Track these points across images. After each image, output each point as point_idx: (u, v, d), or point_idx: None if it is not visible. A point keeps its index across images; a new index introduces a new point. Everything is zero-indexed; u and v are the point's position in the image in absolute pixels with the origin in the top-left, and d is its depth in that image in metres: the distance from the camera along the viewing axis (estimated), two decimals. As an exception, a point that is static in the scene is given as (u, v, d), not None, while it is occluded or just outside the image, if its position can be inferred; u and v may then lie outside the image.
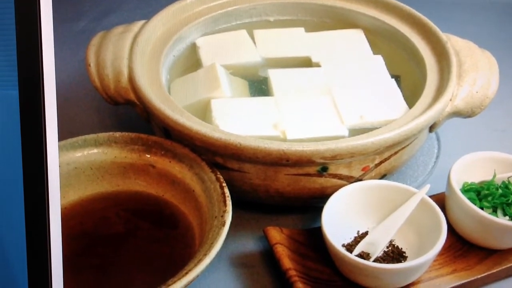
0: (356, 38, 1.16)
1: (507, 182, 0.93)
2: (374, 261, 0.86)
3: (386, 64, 1.09)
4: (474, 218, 0.88)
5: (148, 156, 0.94)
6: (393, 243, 0.89)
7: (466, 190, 0.92)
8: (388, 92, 1.03)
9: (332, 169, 0.91)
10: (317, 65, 1.09)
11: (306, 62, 1.11)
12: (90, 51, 1.04)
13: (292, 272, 0.86)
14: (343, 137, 0.93)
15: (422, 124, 0.93)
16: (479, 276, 0.88)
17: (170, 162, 0.93)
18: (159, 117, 0.93)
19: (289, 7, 1.20)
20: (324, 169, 0.91)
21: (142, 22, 1.09)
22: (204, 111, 1.00)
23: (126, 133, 0.95)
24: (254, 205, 0.98)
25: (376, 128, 0.94)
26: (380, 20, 1.15)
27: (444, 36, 1.07)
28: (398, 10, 1.15)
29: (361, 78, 1.06)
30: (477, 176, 0.95)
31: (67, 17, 1.40)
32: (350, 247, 0.88)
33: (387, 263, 0.86)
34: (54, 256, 0.67)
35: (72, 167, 0.93)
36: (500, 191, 0.91)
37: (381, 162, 0.94)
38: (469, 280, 0.87)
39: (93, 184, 0.94)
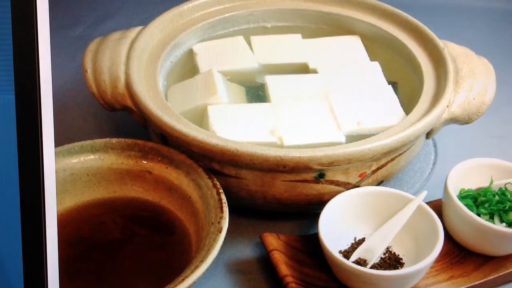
0: (353, 44, 1.16)
1: (504, 188, 0.93)
2: (371, 267, 0.85)
3: (383, 70, 1.09)
4: (471, 225, 0.88)
5: (145, 162, 0.94)
6: (390, 249, 0.89)
7: (463, 196, 0.92)
8: (385, 99, 1.03)
9: (329, 176, 0.91)
10: (314, 71, 1.09)
11: (303, 69, 1.11)
12: (87, 57, 1.03)
13: (289, 279, 0.85)
14: (340, 143, 0.93)
15: (419, 130, 0.93)
16: (476, 283, 0.88)
17: (167, 168, 0.93)
18: (156, 123, 0.93)
19: (286, 13, 1.20)
20: (321, 176, 0.90)
21: (139, 28, 1.09)
22: (201, 117, 1.00)
23: (123, 139, 0.95)
24: (251, 211, 0.98)
25: (373, 134, 0.94)
26: (377, 26, 1.15)
27: (441, 42, 1.07)
28: (395, 17, 1.15)
29: (358, 85, 1.06)
30: (474, 183, 0.95)
31: (64, 23, 1.40)
32: (347, 254, 0.87)
33: (384, 269, 0.85)
34: (51, 262, 0.67)
35: (69, 173, 0.92)
36: (497, 197, 0.91)
37: (378, 169, 0.94)
38: (466, 286, 0.87)
39: (89, 190, 0.94)
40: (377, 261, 0.87)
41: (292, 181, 0.91)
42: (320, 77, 1.07)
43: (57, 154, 0.91)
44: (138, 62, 1.02)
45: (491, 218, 0.91)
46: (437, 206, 0.93)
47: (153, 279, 0.84)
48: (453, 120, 1.01)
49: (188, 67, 1.12)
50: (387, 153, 0.92)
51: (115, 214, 0.93)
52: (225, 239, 0.81)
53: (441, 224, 0.86)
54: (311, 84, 1.06)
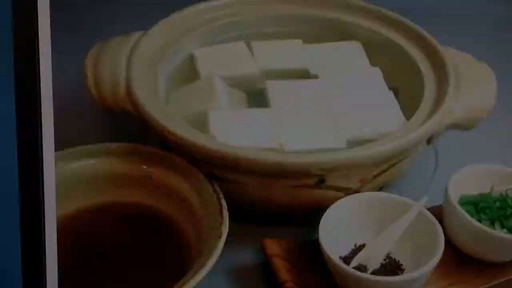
0: (354, 50, 1.15)
1: (505, 194, 0.92)
2: (371, 273, 0.85)
3: (384, 76, 1.09)
4: (472, 231, 0.88)
5: (145, 167, 0.94)
6: (391, 255, 0.89)
7: (464, 202, 0.92)
8: (386, 104, 1.03)
9: (330, 181, 0.91)
10: (315, 77, 1.09)
11: (304, 74, 1.11)
12: (87, 61, 1.03)
13: (289, 285, 0.85)
14: (340, 149, 0.93)
15: (420, 136, 0.93)
16: (476, 289, 0.88)
17: (167, 173, 0.93)
18: (156, 128, 0.92)
19: (287, 19, 1.20)
20: (321, 181, 0.90)
21: (140, 33, 1.09)
22: (201, 123, 0.99)
23: (123, 144, 0.94)
24: (251, 217, 0.97)
25: (374, 140, 0.94)
26: (378, 32, 1.15)
27: (441, 48, 1.07)
28: (396, 23, 1.15)
29: (359, 90, 1.06)
30: (475, 189, 0.94)
31: (65, 27, 1.39)
32: (347, 260, 0.87)
33: (384, 275, 0.85)
34: (50, 268, 0.67)
35: (69, 178, 0.92)
36: (498, 204, 0.91)
37: (378, 174, 0.94)
38: (466, 293, 0.87)
39: (89, 195, 0.93)
40: (378, 267, 0.87)
41: (293, 187, 0.90)
42: (321, 82, 1.07)
43: (57, 159, 0.90)
44: (138, 67, 1.02)
45: (492, 224, 0.90)
46: (438, 212, 0.92)
47: (152, 285, 0.84)
48: (454, 126, 1.00)
49: (189, 72, 1.12)
50: (387, 158, 0.92)
51: (115, 219, 0.92)
52: (225, 244, 0.81)
53: (441, 230, 0.86)
54: (312, 90, 1.06)
